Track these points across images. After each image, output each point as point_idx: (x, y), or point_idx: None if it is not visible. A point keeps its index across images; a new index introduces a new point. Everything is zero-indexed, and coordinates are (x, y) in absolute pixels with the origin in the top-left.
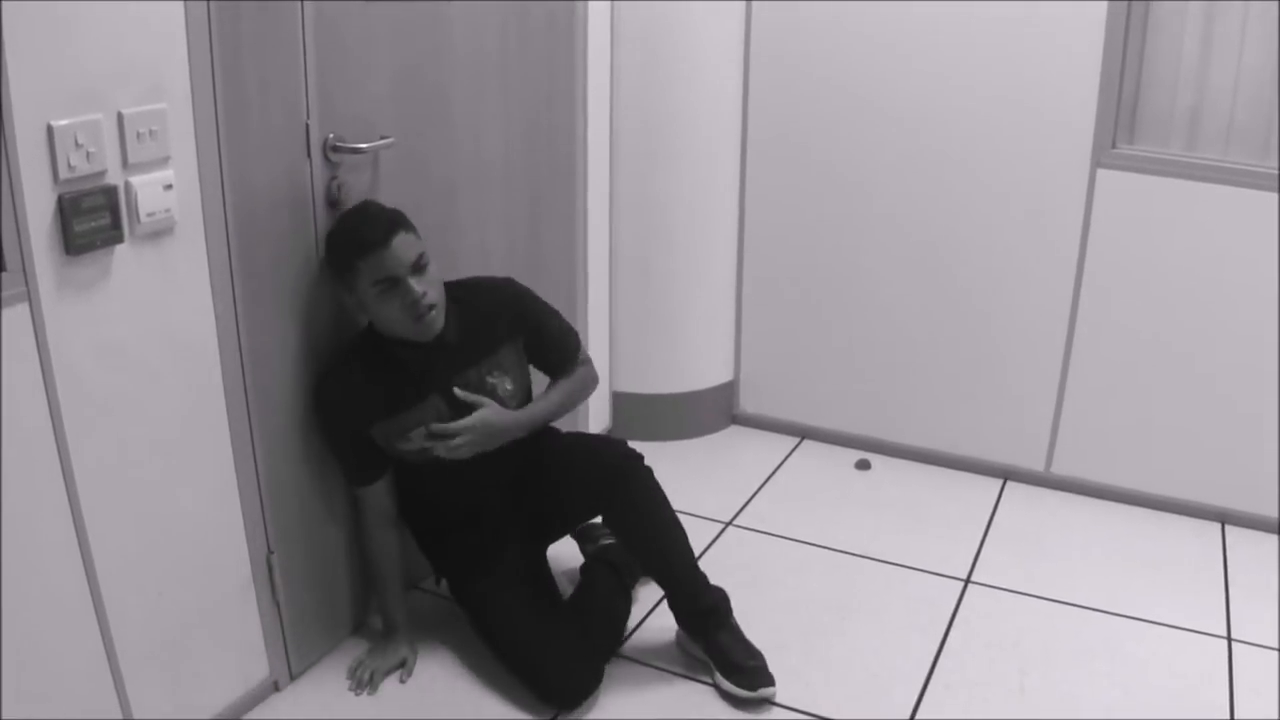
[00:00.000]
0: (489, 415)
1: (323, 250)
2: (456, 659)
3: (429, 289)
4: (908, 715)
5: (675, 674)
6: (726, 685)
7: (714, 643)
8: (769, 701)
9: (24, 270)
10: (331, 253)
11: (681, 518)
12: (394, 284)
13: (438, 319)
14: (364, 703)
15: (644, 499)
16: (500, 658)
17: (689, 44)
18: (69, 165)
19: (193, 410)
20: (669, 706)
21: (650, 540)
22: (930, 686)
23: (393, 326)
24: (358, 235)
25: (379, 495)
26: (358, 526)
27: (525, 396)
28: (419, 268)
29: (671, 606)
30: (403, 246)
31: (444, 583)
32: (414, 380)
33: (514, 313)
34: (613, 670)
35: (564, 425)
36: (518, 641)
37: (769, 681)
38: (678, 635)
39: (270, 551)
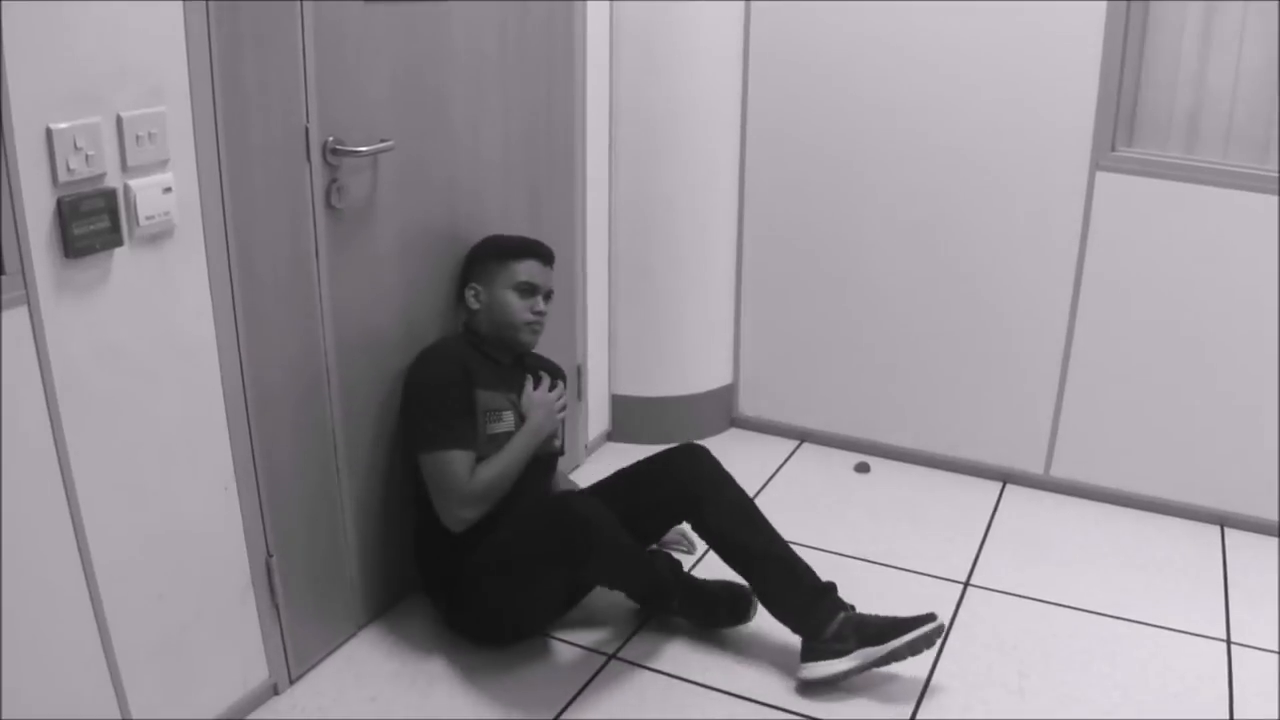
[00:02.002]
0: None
1: (476, 249)
2: (457, 661)
3: (546, 313)
4: (908, 715)
5: (675, 676)
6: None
7: (868, 635)
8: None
9: (23, 273)
10: (491, 248)
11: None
12: (532, 291)
13: (537, 338)
14: (363, 705)
15: (732, 496)
16: (522, 551)
17: (688, 43)
18: (68, 168)
19: (192, 413)
20: (669, 707)
21: (756, 534)
22: (930, 687)
23: (508, 319)
24: (529, 243)
25: (469, 464)
26: (439, 508)
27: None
28: (548, 296)
29: (785, 601)
30: (550, 273)
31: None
32: (501, 374)
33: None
34: (613, 671)
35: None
36: (534, 514)
37: (930, 616)
38: (800, 681)
39: (269, 555)
